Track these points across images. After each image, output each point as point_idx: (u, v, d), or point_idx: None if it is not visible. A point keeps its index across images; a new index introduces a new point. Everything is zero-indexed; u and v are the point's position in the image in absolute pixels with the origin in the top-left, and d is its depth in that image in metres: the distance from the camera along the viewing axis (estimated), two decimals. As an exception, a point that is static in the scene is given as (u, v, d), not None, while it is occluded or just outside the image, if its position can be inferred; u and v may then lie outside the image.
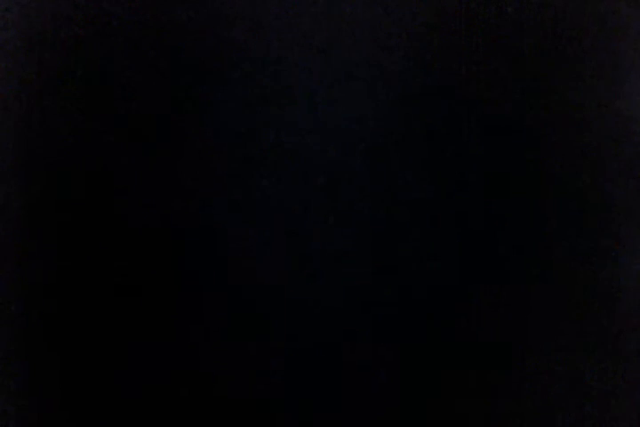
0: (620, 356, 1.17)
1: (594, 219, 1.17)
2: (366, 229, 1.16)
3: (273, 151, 1.17)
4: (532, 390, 1.16)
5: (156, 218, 1.17)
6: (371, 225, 1.16)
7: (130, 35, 1.18)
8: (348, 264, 1.16)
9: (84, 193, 1.18)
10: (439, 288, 1.16)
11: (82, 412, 1.17)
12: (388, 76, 1.17)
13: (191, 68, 1.18)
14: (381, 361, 1.15)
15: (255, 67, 1.17)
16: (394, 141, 1.17)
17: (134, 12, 1.18)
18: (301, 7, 1.17)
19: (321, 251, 1.16)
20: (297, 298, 1.16)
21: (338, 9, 1.17)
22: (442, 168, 1.17)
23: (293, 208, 1.17)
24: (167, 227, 1.17)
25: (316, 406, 1.15)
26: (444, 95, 1.17)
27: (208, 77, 1.18)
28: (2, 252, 1.20)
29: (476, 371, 1.15)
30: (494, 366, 1.15)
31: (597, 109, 1.18)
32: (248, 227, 1.17)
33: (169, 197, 1.17)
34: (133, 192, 1.17)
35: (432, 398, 1.15)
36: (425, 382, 1.15)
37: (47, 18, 1.20)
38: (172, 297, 1.16)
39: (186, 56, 1.18)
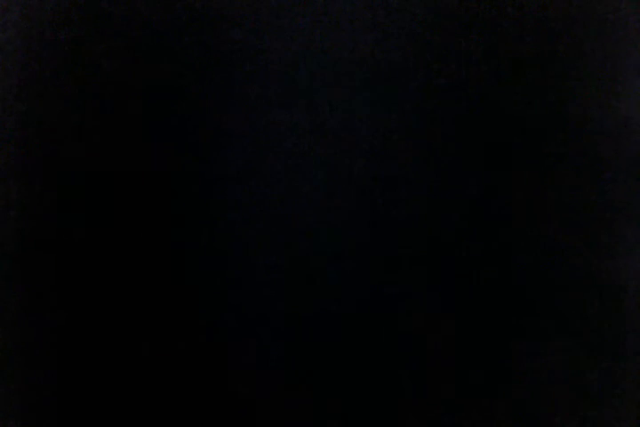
0: (620, 356, 1.17)
1: (594, 218, 1.17)
2: (366, 229, 1.16)
3: (273, 151, 1.17)
4: (531, 390, 1.16)
5: (156, 218, 1.17)
6: (370, 224, 1.16)
7: (130, 35, 1.18)
8: (347, 264, 1.16)
9: (83, 193, 1.18)
10: (439, 287, 1.16)
11: (82, 412, 1.17)
12: (387, 76, 1.17)
13: (191, 67, 1.18)
14: (377, 364, 1.16)
15: (255, 67, 1.17)
16: (394, 141, 1.17)
17: (134, 12, 1.18)
18: (301, 7, 1.17)
19: (320, 250, 1.16)
20: (294, 297, 1.16)
21: (338, 9, 1.17)
22: (442, 168, 1.17)
23: (293, 208, 1.17)
24: (167, 227, 1.17)
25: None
26: (443, 95, 1.17)
27: (208, 77, 1.17)
28: (2, 251, 1.20)
29: (476, 371, 1.15)
30: (494, 365, 1.15)
31: (597, 109, 1.18)
32: (248, 227, 1.17)
33: (169, 197, 1.17)
34: (133, 192, 1.17)
35: (431, 397, 1.15)
36: (426, 380, 1.15)
37: (47, 18, 1.20)
38: (173, 301, 1.16)
39: (186, 56, 1.18)
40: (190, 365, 1.16)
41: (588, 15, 1.19)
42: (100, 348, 1.17)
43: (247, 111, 1.17)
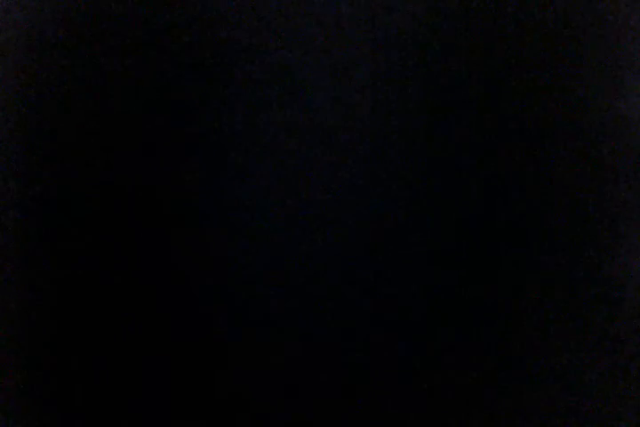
0: (620, 356, 1.17)
1: (594, 218, 1.17)
2: (366, 229, 1.16)
3: (273, 151, 1.17)
4: (531, 389, 1.16)
5: (156, 218, 1.17)
6: (370, 224, 1.16)
7: (130, 35, 1.18)
8: (346, 264, 1.16)
9: (84, 193, 1.18)
10: (438, 288, 1.16)
11: (82, 412, 1.17)
12: (387, 76, 1.17)
13: (191, 68, 1.18)
14: (382, 360, 1.16)
15: (255, 67, 1.17)
16: (394, 141, 1.17)
17: (134, 12, 1.18)
18: (301, 7, 1.18)
19: (320, 250, 1.16)
20: (294, 297, 1.16)
21: (338, 9, 1.17)
22: (442, 168, 1.17)
23: (292, 207, 1.17)
24: (167, 227, 1.17)
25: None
26: (443, 95, 1.17)
27: (208, 77, 1.18)
28: (1, 252, 1.20)
29: (475, 371, 1.15)
30: (493, 366, 1.15)
31: (597, 109, 1.18)
32: (247, 227, 1.17)
33: (169, 197, 1.17)
34: (134, 192, 1.17)
35: (430, 397, 1.15)
36: (426, 380, 1.15)
37: (47, 18, 1.20)
38: (173, 301, 1.17)
39: (186, 56, 1.18)
40: (190, 365, 1.16)
41: (588, 15, 1.19)
42: (101, 348, 1.17)
43: (247, 111, 1.17)
